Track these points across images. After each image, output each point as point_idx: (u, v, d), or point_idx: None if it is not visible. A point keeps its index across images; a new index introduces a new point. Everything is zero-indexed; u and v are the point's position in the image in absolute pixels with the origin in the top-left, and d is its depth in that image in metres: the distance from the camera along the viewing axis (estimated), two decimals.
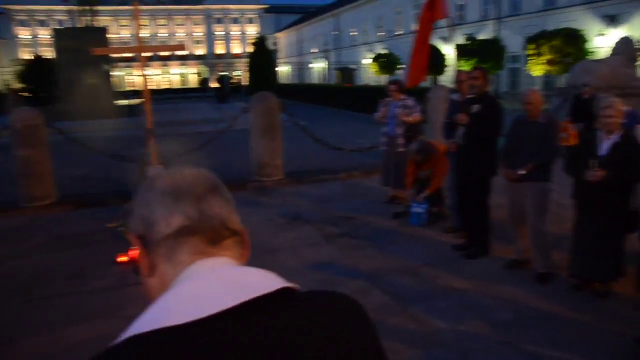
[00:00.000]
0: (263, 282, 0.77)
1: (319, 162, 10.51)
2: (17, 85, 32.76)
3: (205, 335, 0.70)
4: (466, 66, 22.38)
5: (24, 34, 64.33)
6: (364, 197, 8.15)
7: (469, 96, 5.64)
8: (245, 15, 70.91)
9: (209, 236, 0.83)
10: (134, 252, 4.18)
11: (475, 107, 5.38)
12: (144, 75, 6.39)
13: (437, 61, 25.20)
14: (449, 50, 26.72)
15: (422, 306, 4.43)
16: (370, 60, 39.26)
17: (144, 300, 2.99)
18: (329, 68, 53.46)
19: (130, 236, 0.86)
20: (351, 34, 49.36)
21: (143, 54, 6.26)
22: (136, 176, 7.82)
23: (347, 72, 47.56)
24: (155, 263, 0.84)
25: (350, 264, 5.46)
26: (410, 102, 7.47)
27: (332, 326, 0.79)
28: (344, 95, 26.74)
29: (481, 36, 30.04)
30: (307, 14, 63.67)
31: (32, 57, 41.59)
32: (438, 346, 3.81)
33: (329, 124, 18.71)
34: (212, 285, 0.75)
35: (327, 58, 53.77)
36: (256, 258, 4.26)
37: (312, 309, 0.80)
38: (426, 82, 8.80)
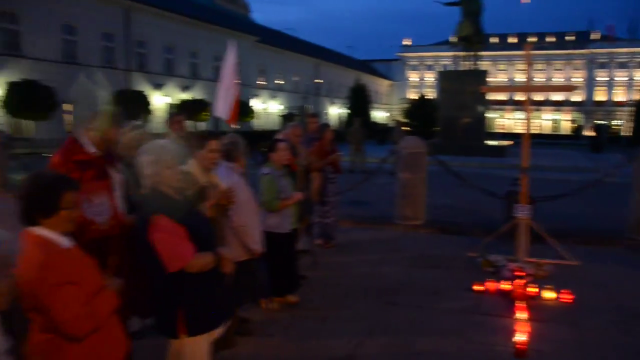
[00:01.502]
0: None
1: None
2: (402, 120, 36.89)
3: None
4: None
5: (413, 77, 72.54)
6: None
7: None
8: (635, 59, 64.18)
9: None
10: (491, 284, 4.26)
11: None
12: (528, 119, 6.45)
13: None
14: None
15: None
16: None
17: (497, 331, 3.07)
18: None
19: None
20: None
21: (528, 97, 6.35)
22: (503, 212, 7.94)
23: None
24: None
25: None
26: None
27: None
28: None
29: None
30: None
31: (417, 97, 46.50)
32: None
33: None
34: None
35: None
36: (625, 322, 3.84)
37: None
38: None
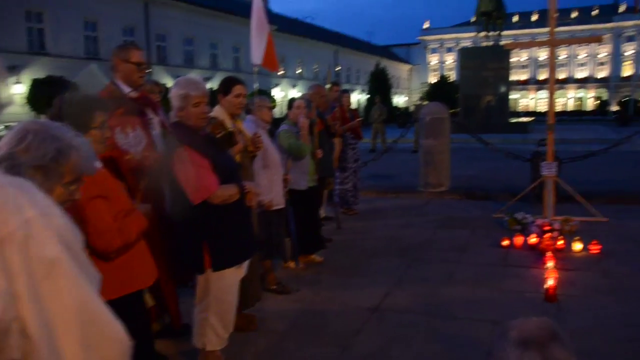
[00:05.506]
0: None
1: None
2: (424, 103, 36.60)
3: None
4: None
5: (433, 60, 71.59)
6: None
7: None
8: None
9: None
10: (519, 238, 4.24)
11: None
12: (552, 67, 6.31)
13: None
14: None
15: None
16: None
17: (527, 280, 3.08)
18: None
19: None
20: None
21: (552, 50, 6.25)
22: (529, 176, 7.85)
23: None
24: None
25: None
26: None
27: None
28: None
29: None
30: None
31: (437, 80, 46.04)
32: None
33: None
34: None
35: None
36: None
37: None
38: None
